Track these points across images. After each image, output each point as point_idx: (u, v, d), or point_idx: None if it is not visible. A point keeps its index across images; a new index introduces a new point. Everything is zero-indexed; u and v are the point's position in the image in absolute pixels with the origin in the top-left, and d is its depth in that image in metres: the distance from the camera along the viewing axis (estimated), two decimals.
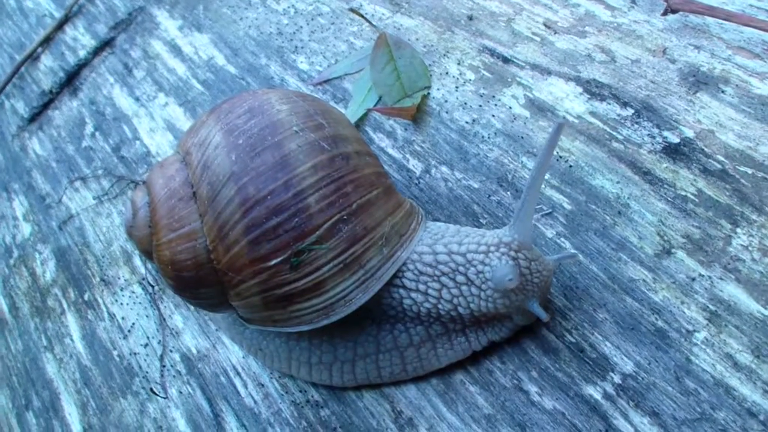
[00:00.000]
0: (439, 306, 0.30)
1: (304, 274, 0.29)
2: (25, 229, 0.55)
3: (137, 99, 0.55)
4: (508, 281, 0.28)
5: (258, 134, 0.29)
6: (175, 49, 0.57)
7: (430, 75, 0.44)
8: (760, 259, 0.31)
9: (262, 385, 0.38)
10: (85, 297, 0.48)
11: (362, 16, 0.48)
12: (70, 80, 0.61)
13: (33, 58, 0.65)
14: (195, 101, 0.52)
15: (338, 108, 0.45)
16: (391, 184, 0.32)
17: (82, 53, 0.63)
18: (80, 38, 0.65)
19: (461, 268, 0.30)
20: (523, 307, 0.30)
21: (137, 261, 0.47)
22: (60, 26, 0.66)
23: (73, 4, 0.66)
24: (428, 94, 0.43)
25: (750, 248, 0.32)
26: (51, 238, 0.52)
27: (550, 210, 0.36)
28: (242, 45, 0.54)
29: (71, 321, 0.47)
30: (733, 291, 0.31)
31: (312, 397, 0.36)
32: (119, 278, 0.47)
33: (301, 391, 0.36)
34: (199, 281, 0.31)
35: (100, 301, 0.47)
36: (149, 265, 0.46)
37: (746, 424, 0.27)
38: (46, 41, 0.65)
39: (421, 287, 0.30)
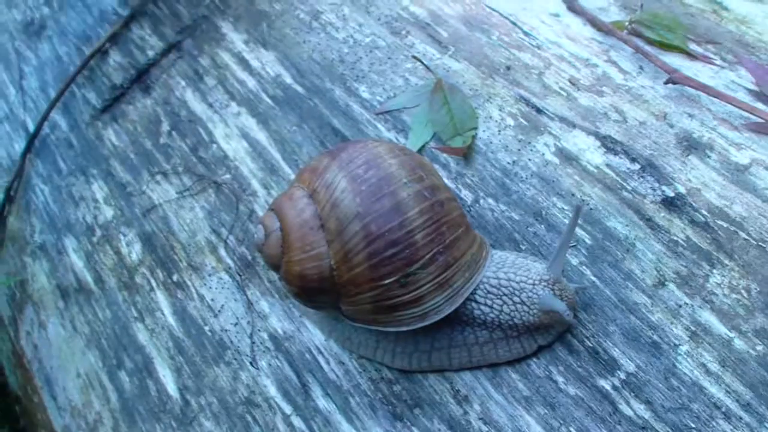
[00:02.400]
0: (500, 317, 0.43)
1: (409, 291, 0.41)
2: (107, 212, 0.66)
3: (210, 105, 0.67)
4: (557, 306, 0.42)
5: (377, 184, 0.42)
6: (243, 62, 0.68)
7: (477, 117, 0.57)
8: (728, 295, 0.45)
9: (343, 363, 0.50)
10: (174, 278, 0.59)
11: (422, 62, 0.60)
12: (140, 77, 0.72)
13: (102, 51, 0.75)
14: (267, 114, 0.64)
15: (401, 141, 0.58)
16: (468, 222, 0.45)
17: (150, 53, 0.73)
18: (147, 38, 0.75)
19: (516, 292, 0.43)
20: (559, 318, 0.43)
21: (223, 252, 0.59)
22: (126, 24, 0.76)
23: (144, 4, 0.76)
24: (476, 134, 0.56)
25: (722, 286, 0.45)
26: (135, 223, 0.64)
27: (575, 243, 0.49)
28: (307, 67, 0.65)
29: (161, 298, 0.59)
30: (708, 317, 0.44)
31: (386, 375, 0.49)
32: (206, 265, 0.59)
33: (376, 370, 0.49)
34: (320, 291, 0.43)
35: (189, 283, 0.59)
36: (236, 256, 0.58)
37: (712, 413, 0.41)
38: (113, 37, 0.75)
39: (488, 302, 0.43)
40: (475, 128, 0.55)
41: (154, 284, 0.59)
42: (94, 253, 0.64)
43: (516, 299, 0.43)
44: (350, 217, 0.41)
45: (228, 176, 0.61)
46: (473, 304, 0.43)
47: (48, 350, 0.64)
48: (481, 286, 0.43)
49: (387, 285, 0.41)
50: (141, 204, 0.64)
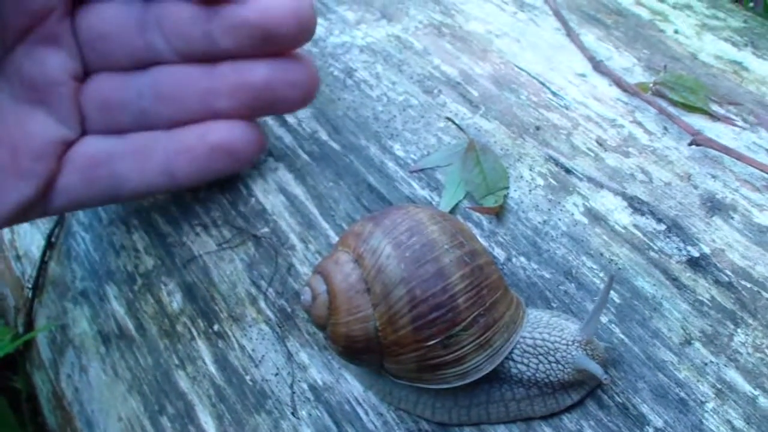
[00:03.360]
0: (537, 375, 0.47)
1: (452, 351, 0.45)
2: (148, 261, 0.70)
3: None
4: (593, 369, 0.45)
5: (420, 250, 0.45)
6: (280, 118, 0.72)
7: (508, 177, 0.60)
8: (752, 354, 0.48)
9: (381, 415, 0.53)
10: (215, 328, 0.63)
11: (455, 123, 0.64)
12: None
13: None
14: (304, 170, 0.67)
15: (433, 200, 0.61)
16: (506, 284, 0.48)
17: None
18: None
19: (551, 352, 0.46)
20: (591, 375, 0.46)
21: (262, 303, 0.62)
22: None
23: None
24: (507, 194, 0.59)
25: (746, 345, 0.49)
26: (175, 273, 0.67)
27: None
28: (342, 124, 0.69)
29: (202, 347, 0.63)
30: (733, 375, 0.48)
31: (423, 427, 0.52)
32: (246, 316, 0.62)
33: (413, 422, 0.52)
34: (365, 351, 0.47)
35: (229, 333, 0.62)
36: (276, 308, 0.61)
37: None
38: None
39: (525, 361, 0.47)
40: (507, 188, 0.59)
41: (195, 333, 0.63)
42: (135, 301, 0.68)
43: (551, 358, 0.46)
44: (395, 282, 0.44)
45: (266, 230, 0.64)
46: (511, 363, 0.47)
47: (89, 393, 0.68)
48: (518, 346, 0.47)
49: (430, 346, 0.44)
50: (181, 255, 0.67)
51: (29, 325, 0.76)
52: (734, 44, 0.70)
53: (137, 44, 0.60)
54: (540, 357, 0.47)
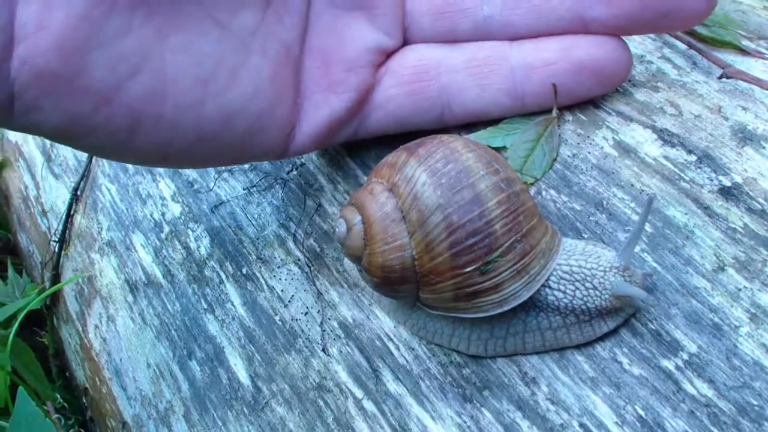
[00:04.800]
0: (574, 302, 0.47)
1: (489, 278, 0.45)
2: (175, 208, 0.71)
3: None
4: (634, 292, 0.46)
5: (456, 176, 0.46)
6: None
7: (545, 173, 0.59)
8: None
9: (413, 349, 0.54)
10: (244, 271, 0.64)
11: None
12: None
13: None
14: None
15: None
16: (540, 212, 0.49)
17: None
18: None
19: (589, 278, 0.47)
20: (630, 301, 0.47)
21: (291, 245, 0.63)
22: None
23: None
24: (533, 183, 0.59)
25: None
26: (203, 218, 0.68)
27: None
28: None
29: (231, 290, 0.64)
30: (767, 300, 0.48)
31: (455, 359, 0.53)
32: (275, 258, 0.63)
33: (445, 355, 0.53)
34: (402, 281, 0.47)
35: (258, 275, 0.63)
36: (305, 249, 0.62)
37: None
38: None
39: (562, 287, 0.47)
40: (537, 180, 0.58)
41: (223, 277, 0.64)
42: (163, 248, 0.69)
43: (588, 285, 0.47)
44: (432, 209, 0.45)
45: (294, 172, 0.65)
46: (548, 290, 0.47)
47: (117, 343, 0.69)
48: (555, 273, 0.47)
49: (468, 273, 0.45)
50: (208, 200, 0.68)
51: (56, 279, 0.78)
52: None
53: None
54: (577, 283, 0.47)
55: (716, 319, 0.48)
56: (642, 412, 0.46)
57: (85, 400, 0.75)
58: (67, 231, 0.78)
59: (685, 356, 0.47)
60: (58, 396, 0.76)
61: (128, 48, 0.46)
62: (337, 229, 0.49)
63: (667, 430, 0.45)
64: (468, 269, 0.45)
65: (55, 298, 0.80)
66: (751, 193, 0.52)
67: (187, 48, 0.49)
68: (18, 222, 0.92)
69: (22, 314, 0.71)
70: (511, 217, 0.45)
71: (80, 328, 0.75)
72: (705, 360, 0.46)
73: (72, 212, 0.78)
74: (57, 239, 0.77)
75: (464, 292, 0.46)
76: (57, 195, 0.83)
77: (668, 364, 0.47)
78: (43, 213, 0.84)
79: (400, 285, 0.47)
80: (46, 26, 0.43)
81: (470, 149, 0.47)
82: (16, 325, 0.70)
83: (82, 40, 0.44)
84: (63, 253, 0.78)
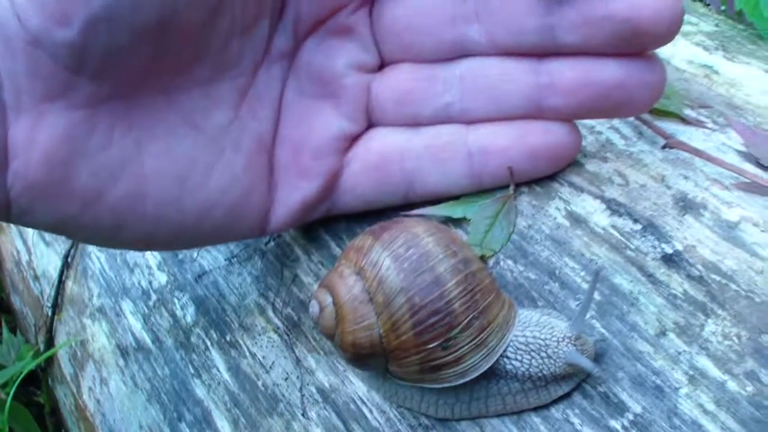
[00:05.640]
0: (530, 370, 0.52)
1: (451, 352, 0.50)
2: (161, 277, 0.75)
3: None
4: (584, 364, 0.51)
5: (417, 260, 0.51)
6: None
7: (503, 246, 0.64)
8: (722, 342, 0.54)
9: (384, 412, 0.59)
10: (227, 338, 0.69)
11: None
12: None
13: None
14: None
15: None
16: (498, 288, 0.54)
17: None
18: None
19: (543, 348, 0.52)
20: (579, 368, 0.52)
21: (271, 313, 0.68)
22: None
23: None
24: (492, 255, 0.63)
25: (716, 334, 0.54)
26: (188, 287, 0.73)
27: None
28: None
29: (216, 356, 0.68)
30: (704, 362, 0.53)
31: (423, 422, 0.57)
32: (256, 326, 0.68)
33: (414, 418, 0.58)
34: (371, 356, 0.52)
35: (241, 342, 0.68)
36: (283, 317, 0.67)
37: None
38: None
39: (519, 357, 0.52)
40: (496, 253, 0.63)
41: (208, 343, 0.69)
42: (151, 315, 0.73)
43: (543, 354, 0.52)
44: (396, 291, 0.50)
45: (272, 244, 0.70)
46: (506, 360, 0.52)
47: (110, 405, 0.74)
48: (512, 344, 0.52)
49: (431, 348, 0.50)
50: (192, 270, 0.73)
51: (50, 342, 0.82)
52: (705, 48, 0.76)
53: (448, 37, 0.57)
54: (533, 353, 0.52)
55: (658, 382, 0.53)
56: None
57: None
58: (60, 296, 0.82)
59: (631, 416, 0.52)
60: None
61: (109, 158, 0.53)
62: (311, 310, 0.54)
63: None
64: (431, 345, 0.50)
65: (50, 360, 0.84)
66: (690, 260, 0.58)
67: (164, 153, 0.55)
68: (11, 285, 0.97)
69: (19, 378, 0.75)
70: (468, 296, 0.50)
71: (74, 390, 0.79)
72: (648, 420, 0.51)
73: (63, 278, 0.83)
74: (50, 304, 0.81)
75: (429, 366, 0.51)
76: (48, 261, 0.88)
77: (615, 423, 0.52)
78: (36, 278, 0.89)
79: (370, 360, 0.52)
80: (35, 144, 0.50)
81: (430, 233, 0.52)
82: (14, 388, 0.75)
83: (67, 155, 0.51)
84: (56, 317, 0.82)
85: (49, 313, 0.82)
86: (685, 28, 0.79)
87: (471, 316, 0.50)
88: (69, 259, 0.83)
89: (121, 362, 0.74)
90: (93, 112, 0.52)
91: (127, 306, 0.76)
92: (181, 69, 0.56)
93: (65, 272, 0.83)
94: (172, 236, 0.57)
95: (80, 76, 0.51)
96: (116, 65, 0.52)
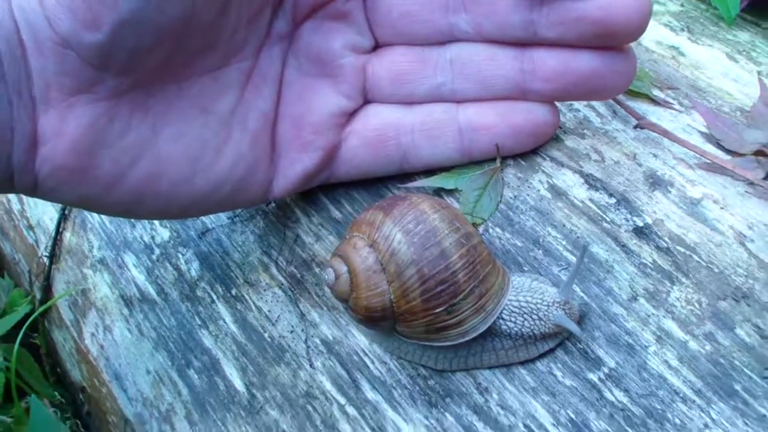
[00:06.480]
0: (523, 330, 0.59)
1: (454, 316, 0.57)
2: (164, 233, 0.80)
3: None
4: (571, 327, 0.58)
5: (425, 235, 0.57)
6: None
7: (492, 214, 0.70)
8: (685, 306, 0.61)
9: (385, 363, 0.66)
10: (233, 292, 0.74)
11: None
12: None
13: None
14: None
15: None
16: (494, 258, 0.61)
17: None
18: None
19: (535, 311, 0.59)
20: (566, 330, 0.60)
21: (274, 270, 0.73)
22: None
23: None
24: (481, 224, 0.70)
25: (680, 299, 0.62)
26: (191, 243, 0.78)
27: (566, 266, 0.66)
28: None
29: (222, 309, 0.74)
30: (670, 324, 0.61)
31: (421, 372, 0.64)
32: (261, 282, 0.74)
33: (413, 368, 0.65)
34: (382, 318, 0.59)
35: (246, 297, 0.74)
36: (287, 274, 0.73)
37: (673, 398, 0.57)
38: None
39: (513, 319, 0.59)
40: (484, 221, 0.69)
41: (214, 297, 0.74)
42: (155, 268, 0.78)
43: (534, 317, 0.59)
44: (407, 263, 0.56)
45: (273, 205, 0.75)
46: (501, 321, 0.59)
47: (115, 350, 0.79)
48: (506, 308, 0.59)
49: (437, 313, 0.57)
50: (195, 227, 0.78)
51: (47, 289, 0.86)
52: (672, 29, 0.82)
53: (439, 24, 0.62)
54: (525, 316, 0.59)
55: (630, 341, 0.61)
56: (573, 416, 0.58)
57: (81, 397, 0.85)
58: (57, 247, 0.86)
59: (606, 370, 0.60)
60: (56, 393, 0.86)
61: (128, 144, 0.58)
62: (326, 277, 0.60)
63: (593, 430, 0.57)
64: (437, 310, 0.57)
65: (46, 304, 0.89)
66: (658, 232, 0.65)
67: (177, 136, 0.61)
68: (0, 231, 1.00)
69: (26, 325, 0.80)
70: (470, 267, 0.57)
71: (75, 335, 0.84)
72: (621, 373, 0.59)
73: (61, 230, 0.87)
74: (48, 254, 0.85)
75: (434, 327, 0.58)
76: (43, 212, 0.91)
77: (593, 376, 0.60)
78: (30, 227, 0.92)
79: (380, 321, 0.59)
80: (62, 134, 0.55)
81: (436, 210, 0.58)
82: (21, 335, 0.80)
83: (91, 143, 0.56)
84: (54, 266, 0.86)
85: (47, 263, 0.86)
86: (654, 8, 0.86)
87: (472, 284, 0.57)
88: (66, 212, 0.87)
89: (126, 311, 0.79)
90: (115, 104, 0.57)
91: (129, 259, 0.81)
92: (193, 59, 0.61)
93: (63, 224, 0.87)
94: (183, 210, 0.65)
95: (105, 72, 0.55)
96: (139, 62, 0.56)
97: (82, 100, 0.55)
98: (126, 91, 0.57)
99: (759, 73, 0.76)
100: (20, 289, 0.92)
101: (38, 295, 0.88)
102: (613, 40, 0.60)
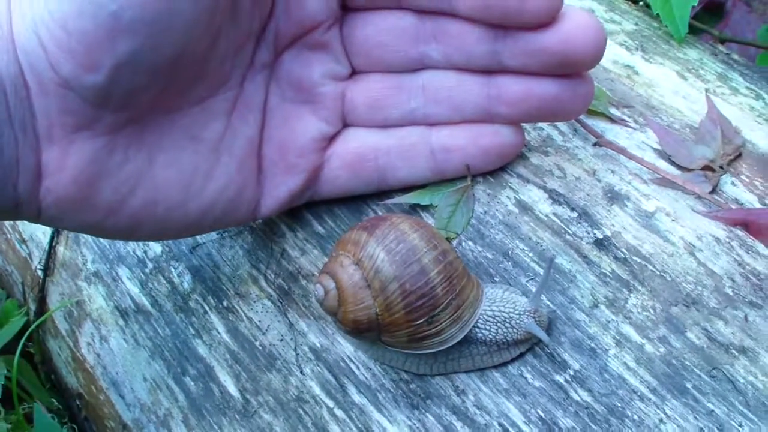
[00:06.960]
0: (497, 337, 0.64)
1: (433, 327, 0.62)
2: (156, 248, 0.85)
3: None
4: (540, 335, 0.64)
5: (406, 253, 0.62)
6: None
7: (464, 229, 0.76)
8: (641, 312, 0.68)
9: (370, 368, 0.71)
10: (224, 304, 0.79)
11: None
12: None
13: None
14: None
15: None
16: (468, 271, 0.66)
17: None
18: None
19: (507, 320, 0.64)
20: (535, 337, 0.66)
21: (263, 283, 0.79)
22: None
23: None
24: (454, 238, 0.75)
25: (637, 306, 0.68)
26: (183, 257, 0.83)
27: (534, 276, 0.72)
28: None
29: (215, 319, 0.79)
30: (627, 329, 0.67)
31: (403, 377, 0.70)
32: (251, 294, 0.79)
33: (395, 373, 0.70)
34: (368, 329, 0.64)
35: (237, 308, 0.79)
36: (275, 286, 0.78)
37: (631, 396, 0.63)
38: None
39: (487, 327, 0.64)
40: (458, 235, 0.74)
41: (207, 308, 0.79)
42: (148, 281, 0.83)
43: (507, 325, 0.64)
44: (390, 279, 0.62)
45: (259, 220, 0.81)
46: (477, 329, 0.64)
47: (112, 359, 0.83)
48: (481, 317, 0.65)
49: (418, 324, 0.62)
50: (186, 242, 0.83)
51: (42, 301, 0.90)
52: (627, 48, 0.88)
53: (411, 54, 0.66)
54: (499, 324, 0.65)
55: (592, 345, 0.67)
56: (542, 414, 0.64)
57: (78, 403, 0.90)
58: (51, 260, 0.91)
59: (571, 372, 0.65)
60: (54, 400, 0.91)
61: (126, 174, 0.63)
62: (316, 293, 0.65)
63: (561, 427, 0.63)
64: (418, 322, 0.62)
65: (41, 315, 0.93)
66: (616, 244, 0.71)
67: (171, 164, 0.66)
68: None
69: (25, 336, 0.85)
70: (448, 281, 0.63)
71: (71, 344, 0.88)
72: (585, 375, 0.65)
73: (54, 244, 0.91)
74: (41, 267, 0.90)
75: (416, 337, 0.63)
76: (36, 226, 0.94)
77: (560, 378, 0.65)
78: (23, 241, 0.96)
79: (366, 332, 0.64)
80: (64, 167, 0.59)
81: (415, 229, 0.64)
82: (20, 346, 0.84)
83: (91, 175, 0.60)
84: (48, 279, 0.91)
85: (41, 276, 0.91)
86: (609, 27, 0.92)
87: (450, 297, 0.63)
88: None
89: (121, 322, 0.84)
90: (112, 138, 0.57)
91: (123, 272, 0.85)
92: (184, 92, 0.65)
93: (56, 238, 0.91)
94: (178, 232, 0.72)
95: (104, 110, 0.59)
96: (135, 99, 0.60)
97: (82, 135, 0.56)
98: (123, 125, 0.61)
99: (706, 90, 0.83)
100: (13, 300, 0.96)
101: (33, 307, 0.92)
102: (573, 68, 0.62)
